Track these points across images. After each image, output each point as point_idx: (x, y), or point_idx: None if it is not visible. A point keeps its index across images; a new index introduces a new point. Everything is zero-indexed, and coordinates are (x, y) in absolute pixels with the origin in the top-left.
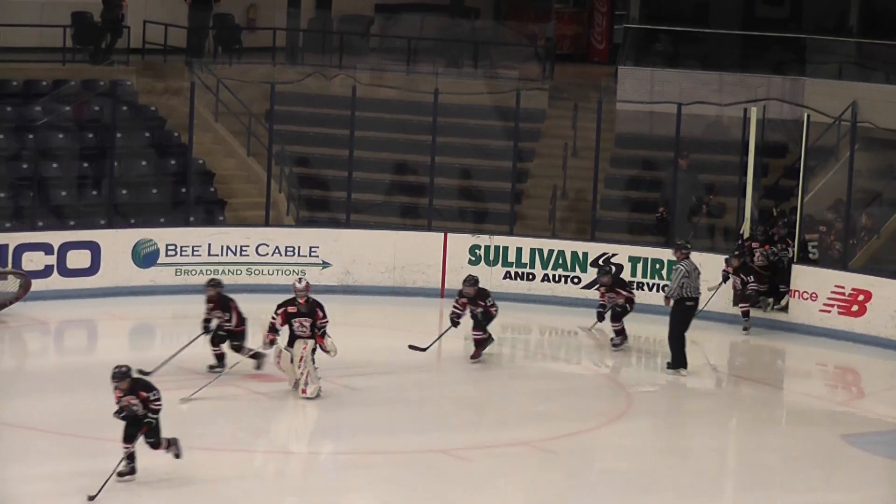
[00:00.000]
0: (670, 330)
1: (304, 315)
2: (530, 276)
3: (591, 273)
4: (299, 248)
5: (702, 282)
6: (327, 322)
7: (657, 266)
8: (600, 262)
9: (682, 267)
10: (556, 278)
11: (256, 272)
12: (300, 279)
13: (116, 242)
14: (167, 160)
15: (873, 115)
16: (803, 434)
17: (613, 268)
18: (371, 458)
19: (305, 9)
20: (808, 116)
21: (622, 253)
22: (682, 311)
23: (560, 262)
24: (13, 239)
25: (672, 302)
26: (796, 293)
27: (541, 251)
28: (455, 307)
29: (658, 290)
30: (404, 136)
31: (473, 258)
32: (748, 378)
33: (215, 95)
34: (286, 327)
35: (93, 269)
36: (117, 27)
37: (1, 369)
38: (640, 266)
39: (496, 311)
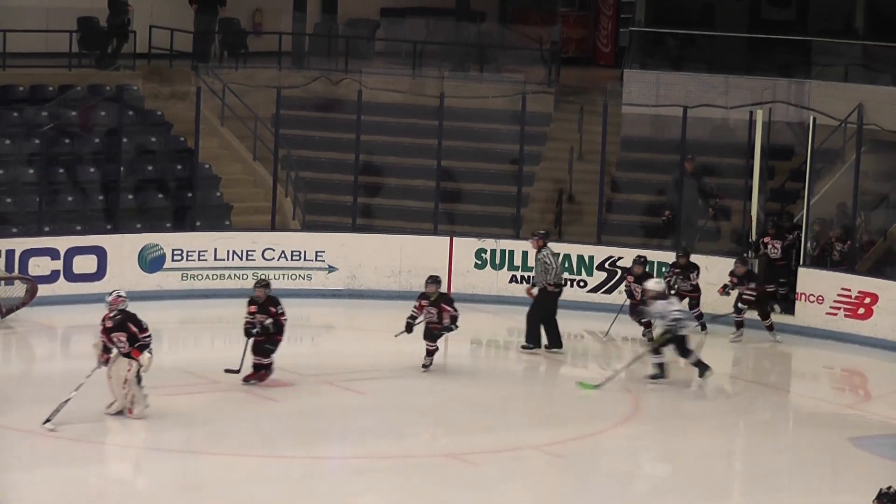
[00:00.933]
0: (533, 312)
1: (116, 330)
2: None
3: (598, 276)
4: (305, 252)
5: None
6: (149, 336)
7: (663, 269)
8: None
9: (544, 257)
10: (563, 281)
11: (263, 277)
12: (111, 292)
13: (123, 247)
14: (173, 165)
15: (879, 118)
16: (810, 437)
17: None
18: (378, 462)
19: (311, 13)
20: (815, 119)
21: (628, 256)
22: (549, 297)
23: (566, 265)
24: (20, 244)
25: (535, 290)
26: (803, 296)
27: None
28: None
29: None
30: (410, 140)
31: (479, 262)
32: (755, 381)
33: (221, 100)
34: None
35: (99, 273)
36: (123, 32)
37: (8, 374)
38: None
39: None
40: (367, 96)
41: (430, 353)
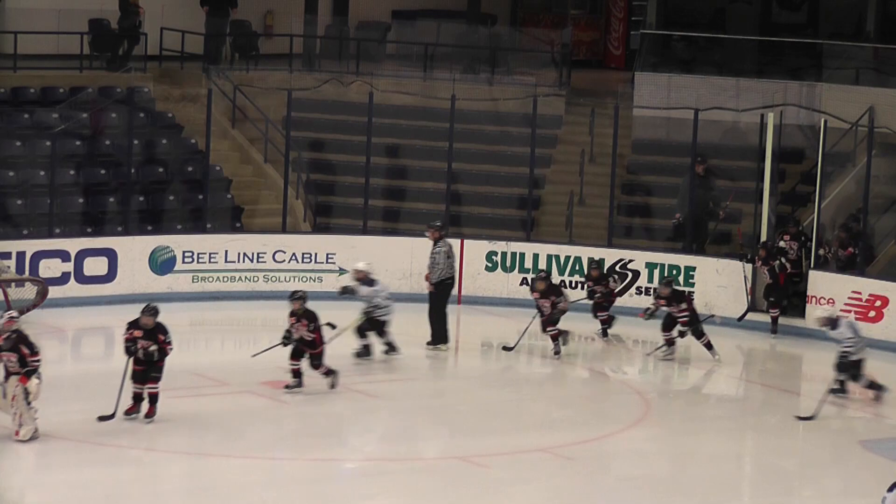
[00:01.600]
0: (433, 309)
1: (8, 350)
2: None
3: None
4: (316, 254)
5: (718, 287)
6: (38, 361)
7: (674, 272)
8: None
9: (442, 248)
10: (573, 284)
11: (273, 279)
12: (1, 315)
13: (133, 249)
14: (184, 167)
15: (890, 121)
16: (820, 439)
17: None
18: (389, 465)
19: (322, 15)
20: (825, 122)
21: (638, 259)
22: (444, 290)
23: (577, 268)
24: (30, 246)
25: (432, 283)
26: (813, 298)
27: (557, 257)
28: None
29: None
30: (421, 143)
31: (490, 264)
32: (765, 384)
33: (232, 102)
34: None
35: (110, 276)
36: (134, 34)
37: None
38: (656, 272)
39: None
40: (379, 99)
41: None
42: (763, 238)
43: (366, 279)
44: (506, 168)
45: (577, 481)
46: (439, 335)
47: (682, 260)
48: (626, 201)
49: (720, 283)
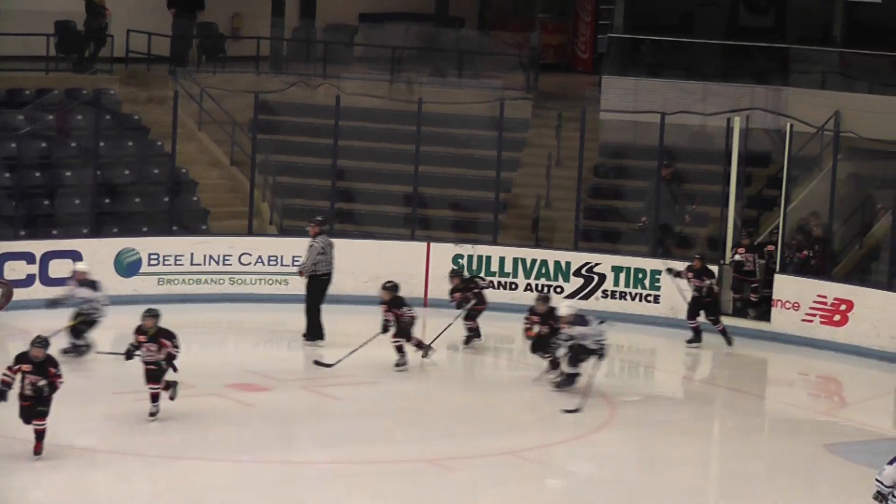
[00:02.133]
0: (307, 304)
1: None
2: (513, 286)
3: (575, 282)
4: (282, 257)
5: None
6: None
7: (640, 276)
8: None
9: (316, 244)
10: (539, 288)
11: (239, 281)
12: None
13: (99, 251)
14: (150, 169)
15: (856, 125)
16: (786, 443)
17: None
18: (355, 467)
19: (289, 18)
20: (792, 126)
21: (605, 262)
22: (318, 286)
23: (543, 271)
24: None
25: (306, 277)
26: (779, 302)
27: (524, 261)
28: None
29: (641, 300)
30: (388, 146)
31: (457, 267)
32: (731, 387)
33: (199, 104)
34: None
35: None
36: (101, 36)
37: None
38: (622, 276)
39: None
40: (346, 101)
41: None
42: (729, 242)
43: (86, 281)
44: (473, 171)
45: (543, 485)
46: (314, 331)
47: (649, 263)
48: (592, 205)
49: (685, 286)
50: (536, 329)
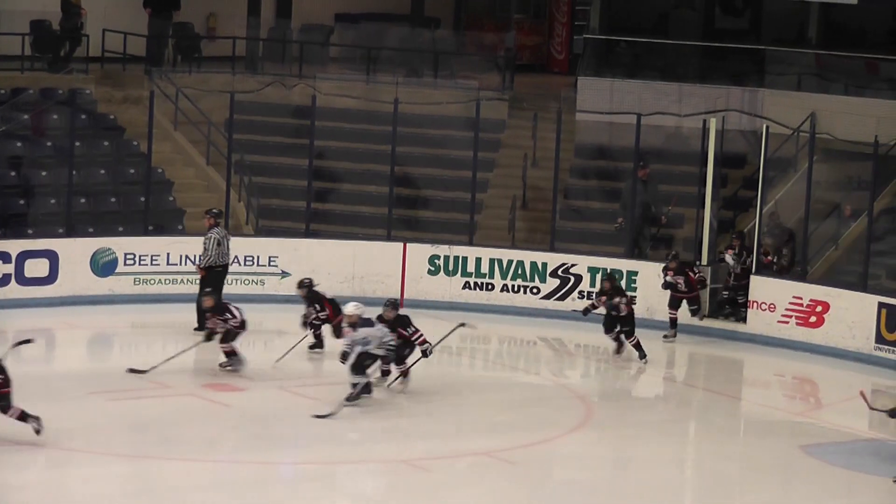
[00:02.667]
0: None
1: None
2: (489, 287)
3: (552, 283)
4: (258, 257)
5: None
6: None
7: (616, 276)
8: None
9: (214, 235)
10: (516, 288)
11: None
12: None
13: (75, 251)
14: (126, 169)
15: (832, 127)
16: (762, 444)
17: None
18: (330, 468)
19: (265, 18)
20: (767, 127)
21: (581, 263)
22: (215, 277)
23: (519, 272)
24: None
25: (204, 270)
26: (755, 304)
27: (500, 261)
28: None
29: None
30: (364, 146)
31: (433, 268)
32: (707, 389)
33: (175, 104)
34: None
35: (51, 277)
36: (76, 35)
37: None
38: (599, 276)
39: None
40: (322, 101)
41: None
42: (705, 243)
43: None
44: (448, 171)
45: (519, 485)
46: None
47: (624, 264)
48: (568, 205)
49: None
50: None
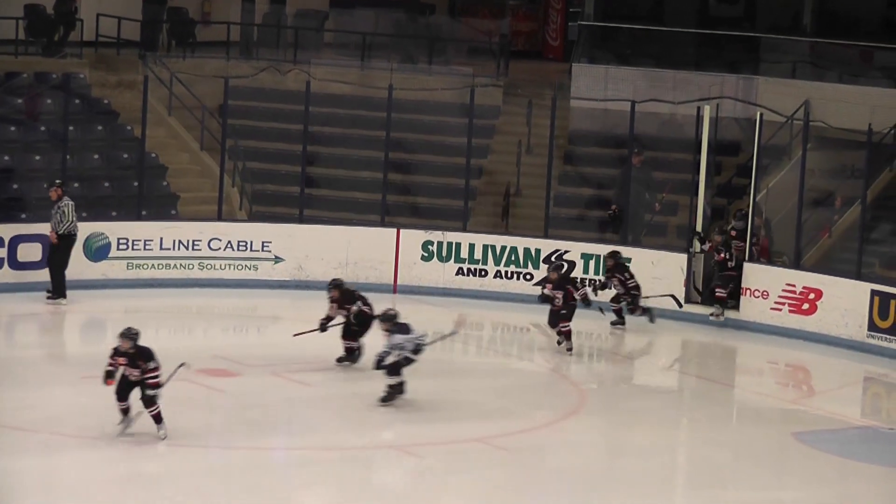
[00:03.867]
0: (56, 263)
1: None
2: (483, 273)
3: (545, 269)
4: (252, 243)
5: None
6: None
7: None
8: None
9: (68, 202)
10: (509, 275)
11: (208, 267)
12: None
13: None
14: (120, 154)
15: (826, 115)
16: (754, 432)
17: (565, 265)
18: (322, 453)
19: (260, 3)
20: (762, 115)
21: (575, 250)
22: (66, 245)
23: (513, 258)
24: None
25: (57, 238)
26: (748, 291)
27: (493, 247)
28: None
29: (610, 288)
30: (359, 132)
31: (426, 254)
32: (700, 376)
33: (169, 89)
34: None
35: (44, 262)
36: (70, 20)
37: None
38: (592, 263)
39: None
40: (316, 87)
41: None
42: (698, 229)
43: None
44: (443, 158)
45: (511, 471)
46: (59, 289)
47: (618, 251)
48: (562, 192)
49: (656, 274)
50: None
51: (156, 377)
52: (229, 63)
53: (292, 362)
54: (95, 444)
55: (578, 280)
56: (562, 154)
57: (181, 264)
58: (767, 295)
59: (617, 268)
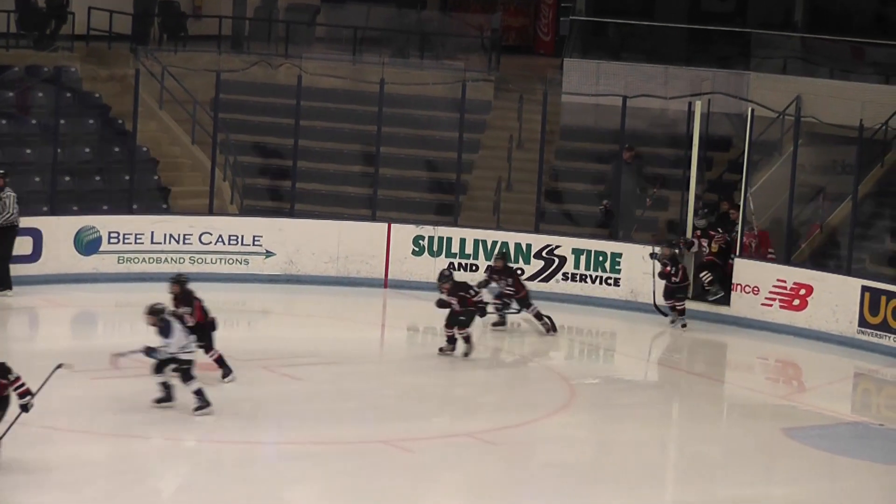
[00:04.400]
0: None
1: None
2: (474, 268)
3: (536, 264)
4: (243, 237)
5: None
6: None
7: (600, 258)
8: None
9: (10, 193)
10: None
11: (199, 261)
12: None
13: (59, 229)
14: (111, 147)
15: (817, 111)
16: (744, 427)
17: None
18: (313, 448)
19: None
20: (753, 111)
21: (565, 245)
22: (10, 235)
23: (504, 251)
24: None
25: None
26: (738, 286)
27: (485, 242)
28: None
29: (601, 283)
30: (350, 126)
31: (417, 249)
32: (690, 371)
33: (160, 83)
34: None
35: (34, 255)
36: (62, 13)
37: None
38: (583, 258)
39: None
40: (307, 81)
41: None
42: (690, 226)
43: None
44: (434, 153)
45: (502, 467)
46: (4, 281)
47: (609, 246)
48: (553, 187)
49: (646, 269)
50: None
51: (22, 385)
52: (221, 57)
53: (283, 356)
54: (83, 438)
55: (471, 289)
56: (553, 149)
57: (172, 258)
58: (758, 290)
59: (505, 270)
